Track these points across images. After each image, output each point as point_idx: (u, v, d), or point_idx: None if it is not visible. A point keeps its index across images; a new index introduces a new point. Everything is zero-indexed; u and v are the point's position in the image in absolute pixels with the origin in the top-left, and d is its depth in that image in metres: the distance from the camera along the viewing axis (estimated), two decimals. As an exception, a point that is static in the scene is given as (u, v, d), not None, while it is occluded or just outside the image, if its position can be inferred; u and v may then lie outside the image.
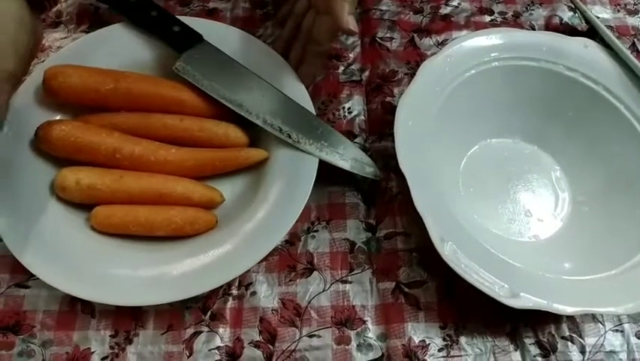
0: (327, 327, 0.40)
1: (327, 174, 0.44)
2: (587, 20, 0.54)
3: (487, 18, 0.56)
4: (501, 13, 0.57)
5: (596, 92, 0.45)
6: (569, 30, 0.56)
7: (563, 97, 0.46)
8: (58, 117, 0.42)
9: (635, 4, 0.58)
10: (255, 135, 0.45)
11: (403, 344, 0.39)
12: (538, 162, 0.47)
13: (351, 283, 0.42)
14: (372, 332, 0.40)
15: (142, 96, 0.43)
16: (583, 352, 0.40)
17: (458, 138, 0.46)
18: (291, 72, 0.46)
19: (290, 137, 0.43)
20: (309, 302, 0.41)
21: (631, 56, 0.45)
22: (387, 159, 0.46)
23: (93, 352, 0.38)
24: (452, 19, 0.56)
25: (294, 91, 0.45)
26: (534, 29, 0.55)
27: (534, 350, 0.40)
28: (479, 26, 0.55)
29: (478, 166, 0.46)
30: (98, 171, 0.40)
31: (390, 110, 0.49)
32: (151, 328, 0.39)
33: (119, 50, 0.45)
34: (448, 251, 0.37)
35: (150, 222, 0.40)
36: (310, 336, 0.39)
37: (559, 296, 0.36)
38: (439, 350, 0.39)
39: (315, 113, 0.44)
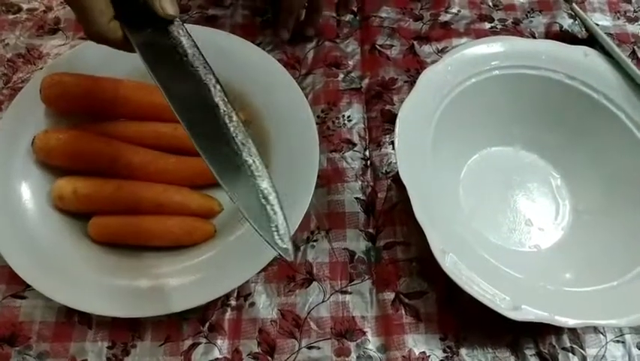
0: (327, 338, 0.39)
1: (327, 183, 0.43)
2: (587, 28, 0.54)
3: (487, 25, 0.56)
4: (501, 20, 0.56)
5: (596, 100, 0.45)
6: (569, 38, 0.55)
7: (563, 105, 0.46)
8: (55, 126, 0.42)
9: (635, 12, 0.58)
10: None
11: (404, 356, 0.39)
12: (539, 170, 0.47)
13: (350, 293, 0.41)
14: (372, 343, 0.40)
15: (140, 105, 0.42)
16: (584, 363, 0.40)
17: (458, 147, 0.45)
18: (291, 80, 0.46)
19: None
20: (309, 313, 0.40)
21: (631, 64, 0.45)
22: (386, 168, 0.46)
23: (90, 364, 0.38)
24: (452, 26, 0.55)
25: (293, 99, 0.45)
26: (534, 37, 0.55)
27: (535, 361, 0.40)
28: (479, 34, 0.55)
29: (479, 175, 0.46)
30: (96, 180, 0.40)
31: (390, 118, 0.49)
32: (148, 339, 0.39)
33: (117, 57, 0.44)
34: (449, 263, 0.36)
35: (148, 232, 0.39)
36: (309, 348, 0.39)
37: (560, 308, 0.36)
38: (440, 362, 0.39)
39: (315, 122, 0.44)
